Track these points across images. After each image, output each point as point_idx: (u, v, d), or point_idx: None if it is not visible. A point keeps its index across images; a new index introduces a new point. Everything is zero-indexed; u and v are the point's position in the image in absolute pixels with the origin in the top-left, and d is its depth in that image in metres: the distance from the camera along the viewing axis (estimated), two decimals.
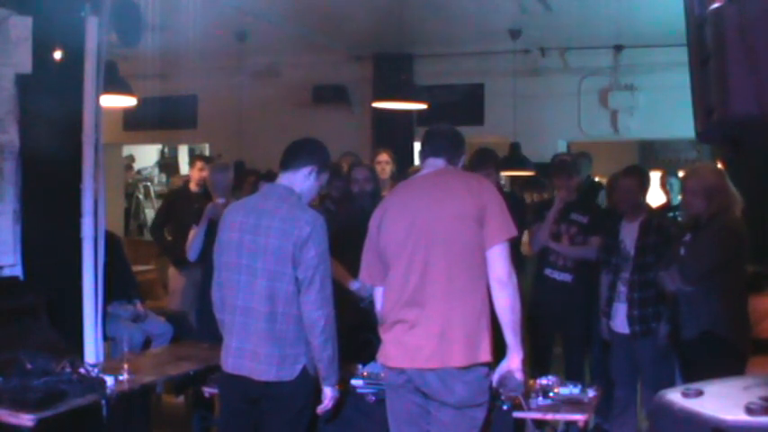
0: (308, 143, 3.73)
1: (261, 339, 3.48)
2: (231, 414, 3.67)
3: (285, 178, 3.64)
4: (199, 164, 7.49)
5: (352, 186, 5.24)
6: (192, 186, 7.35)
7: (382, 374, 3.93)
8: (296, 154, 3.66)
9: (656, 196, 6.23)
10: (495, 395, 3.52)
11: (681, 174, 6.49)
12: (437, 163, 3.52)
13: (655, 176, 6.32)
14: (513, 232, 3.34)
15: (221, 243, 3.65)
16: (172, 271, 7.18)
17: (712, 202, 4.42)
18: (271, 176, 5.30)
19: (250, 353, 3.50)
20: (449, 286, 3.27)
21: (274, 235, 3.47)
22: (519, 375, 3.32)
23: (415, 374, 3.30)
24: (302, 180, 3.61)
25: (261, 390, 3.51)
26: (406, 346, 3.31)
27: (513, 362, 3.31)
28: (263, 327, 3.48)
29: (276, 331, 3.47)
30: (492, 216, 3.30)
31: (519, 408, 3.72)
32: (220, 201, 5.38)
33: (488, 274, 3.28)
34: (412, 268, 3.32)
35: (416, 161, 9.71)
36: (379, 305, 3.53)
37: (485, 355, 3.27)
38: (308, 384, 3.55)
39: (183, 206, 6.93)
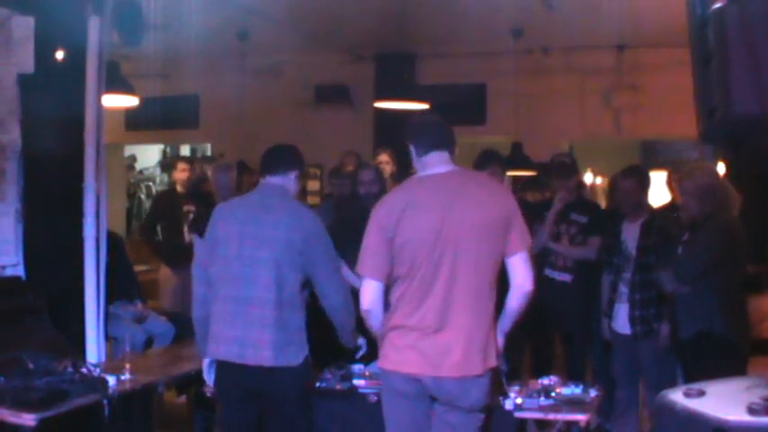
0: (290, 149, 3.93)
1: (266, 327, 3.56)
2: (232, 406, 3.72)
3: (276, 181, 3.78)
4: (181, 165, 7.62)
5: (359, 188, 5.20)
6: (179, 188, 7.41)
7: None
8: (283, 159, 3.84)
9: (662, 195, 6.22)
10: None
11: None
12: (444, 156, 3.45)
13: (661, 176, 6.32)
14: (530, 240, 3.42)
15: (218, 237, 3.70)
16: (163, 271, 7.22)
17: (707, 202, 4.43)
18: None
19: (254, 340, 3.56)
20: (473, 295, 3.27)
21: (283, 228, 3.61)
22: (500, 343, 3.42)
23: (431, 382, 3.25)
24: (290, 183, 3.80)
25: (264, 377, 3.56)
26: (426, 354, 3.24)
27: (499, 340, 3.40)
28: (270, 314, 3.57)
29: (282, 318, 3.58)
30: (517, 223, 3.33)
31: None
32: None
33: (511, 280, 3.31)
34: (437, 275, 3.26)
35: None
36: (366, 300, 3.36)
37: (492, 360, 3.31)
38: (310, 370, 3.71)
39: (170, 208, 7.16)
